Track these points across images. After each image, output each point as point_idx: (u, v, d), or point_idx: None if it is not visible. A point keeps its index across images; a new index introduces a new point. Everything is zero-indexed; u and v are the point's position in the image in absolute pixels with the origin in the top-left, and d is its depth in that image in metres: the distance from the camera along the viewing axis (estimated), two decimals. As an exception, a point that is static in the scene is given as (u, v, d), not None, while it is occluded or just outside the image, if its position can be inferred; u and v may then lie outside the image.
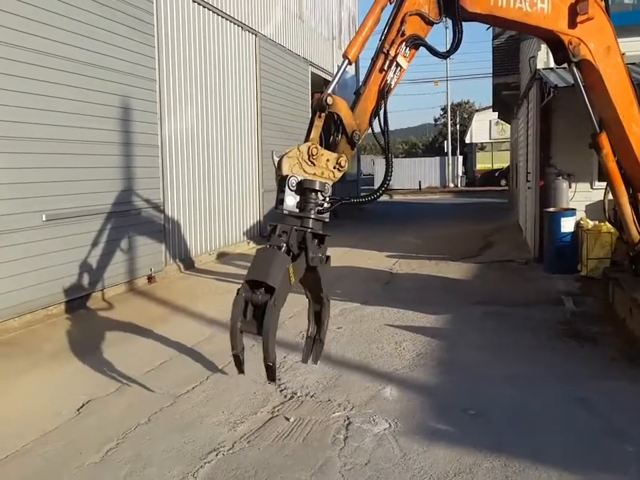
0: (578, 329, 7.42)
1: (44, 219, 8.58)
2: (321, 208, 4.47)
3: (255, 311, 4.12)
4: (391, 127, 4.95)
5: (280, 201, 4.43)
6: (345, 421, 5.03)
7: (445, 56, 5.18)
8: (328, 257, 4.61)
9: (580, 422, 4.90)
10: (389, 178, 4.84)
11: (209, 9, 13.68)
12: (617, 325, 7.18)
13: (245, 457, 4.48)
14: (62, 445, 4.80)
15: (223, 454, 4.54)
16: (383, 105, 4.82)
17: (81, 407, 5.54)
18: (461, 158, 51.86)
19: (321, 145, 4.53)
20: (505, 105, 22.71)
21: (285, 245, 4.28)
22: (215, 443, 4.72)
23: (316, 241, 4.44)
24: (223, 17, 14.37)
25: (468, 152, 53.94)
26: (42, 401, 5.77)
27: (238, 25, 15.19)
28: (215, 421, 5.12)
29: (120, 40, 10.32)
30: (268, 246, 4.33)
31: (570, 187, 11.37)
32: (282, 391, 5.73)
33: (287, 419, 5.09)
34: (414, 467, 4.25)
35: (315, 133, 4.55)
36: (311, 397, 5.57)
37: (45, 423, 5.19)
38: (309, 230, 4.33)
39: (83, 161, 9.44)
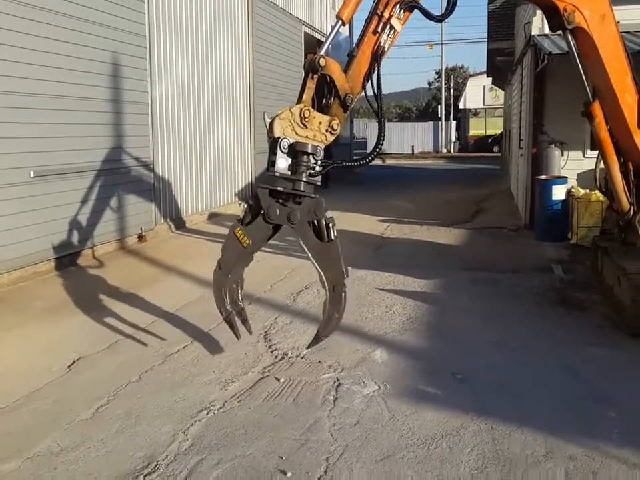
0: (566, 296, 7.49)
1: (32, 175, 8.50)
2: (313, 171, 4.46)
3: None
4: (385, 91, 4.94)
5: (272, 163, 4.42)
6: (334, 382, 5.08)
7: (439, 19, 5.12)
8: (330, 235, 4.59)
9: (566, 387, 4.98)
10: (381, 142, 4.83)
11: (201, -36, 13.42)
12: (604, 293, 7.24)
13: (236, 416, 4.54)
14: (52, 401, 4.84)
15: (214, 413, 4.59)
16: (376, 68, 4.78)
17: (72, 364, 5.58)
18: (454, 123, 51.65)
19: (313, 107, 4.50)
20: (499, 71, 22.54)
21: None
22: (205, 401, 4.77)
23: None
24: (216, -27, 14.10)
25: (461, 117, 53.64)
26: (32, 357, 5.80)
27: (231, -18, 14.93)
28: (206, 380, 5.17)
29: (109, -7, 10.13)
30: None
31: (562, 155, 11.36)
32: (273, 351, 5.78)
33: (278, 380, 5.15)
34: (402, 428, 4.31)
35: (307, 95, 4.52)
36: (302, 358, 5.62)
37: (34, 380, 5.22)
38: (262, 186, 4.43)
39: (72, 117, 9.33)
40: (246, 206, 4.65)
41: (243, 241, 4.50)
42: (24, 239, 8.38)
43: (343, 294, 4.67)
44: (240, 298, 4.85)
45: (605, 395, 4.84)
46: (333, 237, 4.56)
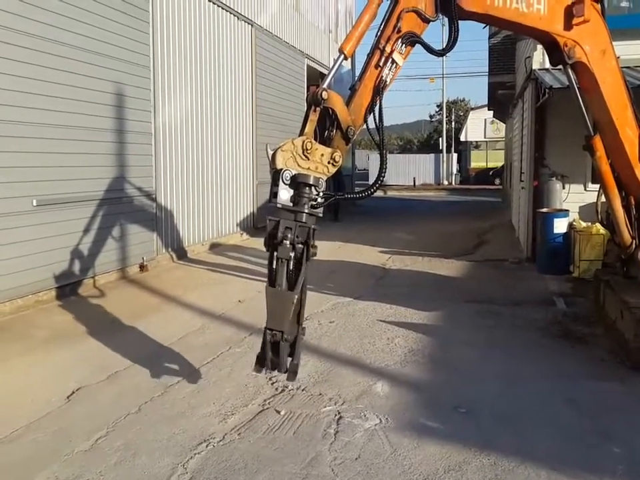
0: (569, 329, 7.45)
1: (35, 204, 8.54)
2: (315, 203, 4.47)
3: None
4: (386, 123, 4.97)
5: (274, 195, 4.43)
6: (335, 415, 5.04)
7: (440, 54, 5.18)
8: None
9: (569, 422, 4.93)
10: (383, 174, 4.84)
11: (205, -3, 13.64)
12: (607, 327, 7.21)
13: (235, 449, 4.49)
14: (51, 432, 4.79)
15: (213, 445, 4.54)
16: (378, 101, 4.82)
17: (71, 395, 5.53)
18: (455, 156, 51.91)
19: (315, 140, 4.53)
20: (500, 104, 22.73)
21: (290, 245, 4.29)
22: (205, 434, 4.72)
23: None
24: (218, 6, 14.28)
25: (462, 150, 53.99)
26: (32, 387, 5.76)
27: (234, 15, 15.12)
28: (206, 412, 5.12)
29: (114, 26, 10.27)
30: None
31: (563, 188, 11.40)
32: (273, 383, 5.73)
33: (278, 412, 5.10)
34: (404, 462, 4.26)
35: (310, 127, 4.56)
36: (302, 390, 5.57)
37: (34, 410, 5.18)
38: (313, 227, 4.36)
39: (76, 146, 9.40)
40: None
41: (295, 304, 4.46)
42: (26, 268, 8.38)
43: (269, 337, 4.36)
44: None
45: (608, 430, 4.79)
46: (297, 282, 4.41)
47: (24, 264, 8.35)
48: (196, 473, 4.16)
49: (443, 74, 52.12)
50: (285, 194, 4.40)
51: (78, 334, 7.31)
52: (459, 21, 5.08)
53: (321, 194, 4.50)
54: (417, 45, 4.96)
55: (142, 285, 10.17)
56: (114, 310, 8.37)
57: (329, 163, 4.54)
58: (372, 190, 4.91)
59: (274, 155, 4.40)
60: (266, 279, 4.52)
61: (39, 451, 4.50)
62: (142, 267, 11.10)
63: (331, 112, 4.60)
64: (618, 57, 5.98)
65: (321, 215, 4.55)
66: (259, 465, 4.25)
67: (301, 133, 4.53)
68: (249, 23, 15.97)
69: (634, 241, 6.68)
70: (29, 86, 8.43)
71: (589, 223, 10.53)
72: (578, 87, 5.98)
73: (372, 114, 4.84)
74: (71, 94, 9.24)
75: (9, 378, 6.02)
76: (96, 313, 8.33)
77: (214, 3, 14.06)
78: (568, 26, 5.50)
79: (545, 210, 11.13)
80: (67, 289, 9.22)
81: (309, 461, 4.29)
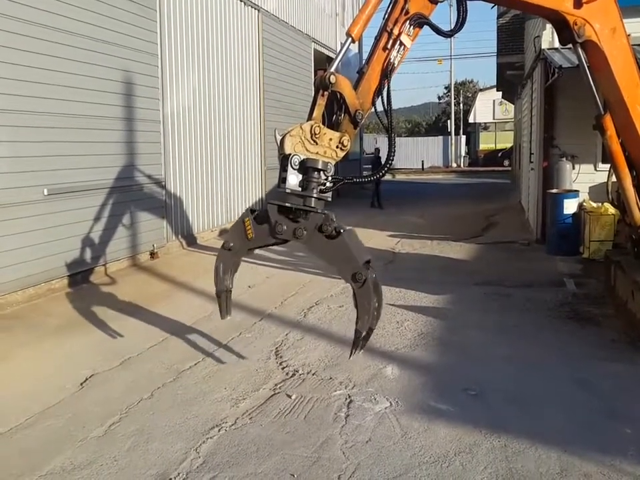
0: (579, 310, 7.44)
1: (45, 193, 8.57)
2: (324, 187, 4.47)
3: None
4: (394, 106, 4.95)
5: (282, 180, 4.44)
6: (346, 399, 5.06)
7: (449, 35, 5.13)
8: (339, 232, 4.44)
9: (580, 403, 4.94)
10: (391, 157, 4.83)
11: (211, -17, 13.56)
12: (618, 307, 7.19)
13: (247, 433, 4.52)
14: (66, 419, 4.84)
15: (225, 430, 4.58)
16: (386, 84, 4.79)
17: (85, 381, 5.59)
18: (464, 138, 51.63)
19: (323, 124, 4.52)
20: (509, 85, 22.58)
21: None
22: (217, 419, 4.76)
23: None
24: (225, -8, 14.22)
25: (471, 132, 53.67)
26: (45, 374, 5.81)
27: (240, 0, 15.04)
28: (217, 397, 5.16)
29: (122, 14, 10.24)
30: None
31: (573, 169, 11.33)
32: (284, 368, 5.76)
33: (289, 397, 5.13)
34: (414, 445, 4.28)
35: (318, 112, 4.54)
36: (313, 374, 5.60)
37: (48, 397, 5.23)
38: (272, 202, 4.45)
39: (85, 135, 9.41)
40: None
41: (248, 231, 4.57)
42: (37, 257, 8.43)
43: (365, 279, 4.34)
44: (232, 282, 5.05)
45: (619, 411, 4.80)
46: (339, 231, 4.45)
47: (35, 253, 8.39)
48: (208, 457, 4.20)
49: (451, 55, 51.77)
50: (293, 179, 4.40)
51: (90, 321, 7.36)
52: (467, 1, 5.03)
53: (330, 178, 4.50)
54: (425, 26, 4.92)
55: (152, 272, 10.22)
56: (125, 297, 8.41)
57: (337, 147, 4.53)
58: (381, 173, 4.90)
59: (282, 140, 4.40)
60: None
61: (54, 437, 4.55)
62: (152, 254, 11.14)
63: (339, 96, 4.59)
64: (628, 35, 5.91)
65: (329, 199, 4.55)
66: (271, 448, 4.29)
67: (309, 118, 4.52)
68: (255, 8, 15.88)
69: (645, 221, 6.63)
70: (39, 76, 8.42)
71: (599, 204, 10.48)
72: (588, 66, 5.91)
73: (380, 97, 4.82)
74: (80, 83, 9.23)
75: (23, 366, 6.08)
76: (107, 300, 8.37)
77: (220, -12, 14.00)
78: (577, 4, 5.43)
79: (554, 191, 11.08)
80: (79, 276, 9.27)
81: (320, 445, 4.32)
